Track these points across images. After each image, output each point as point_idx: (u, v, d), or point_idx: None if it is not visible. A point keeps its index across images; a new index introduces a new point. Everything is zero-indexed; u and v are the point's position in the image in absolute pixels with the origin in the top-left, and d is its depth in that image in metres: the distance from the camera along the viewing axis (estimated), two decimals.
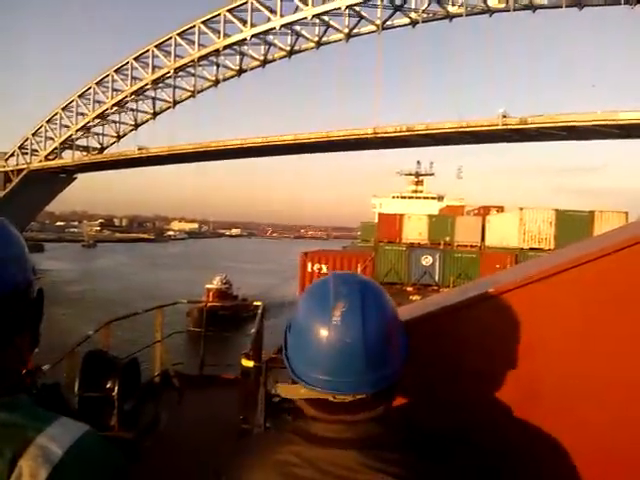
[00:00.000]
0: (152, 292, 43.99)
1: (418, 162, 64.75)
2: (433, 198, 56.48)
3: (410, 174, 63.63)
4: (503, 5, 58.24)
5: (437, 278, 29.55)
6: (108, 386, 4.79)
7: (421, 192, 60.03)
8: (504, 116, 56.66)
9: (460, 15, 60.21)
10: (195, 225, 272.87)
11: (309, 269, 25.05)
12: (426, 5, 60.88)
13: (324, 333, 1.08)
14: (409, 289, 28.08)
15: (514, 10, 58.02)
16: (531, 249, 28.91)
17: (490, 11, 59.35)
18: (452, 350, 1.43)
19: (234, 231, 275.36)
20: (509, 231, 30.80)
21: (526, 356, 1.34)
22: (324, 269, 24.57)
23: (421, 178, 63.14)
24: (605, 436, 1.31)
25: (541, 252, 25.53)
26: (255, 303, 8.07)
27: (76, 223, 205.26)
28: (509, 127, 56.75)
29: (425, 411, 1.40)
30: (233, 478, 1.12)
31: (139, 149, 76.67)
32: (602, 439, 1.31)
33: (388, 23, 63.67)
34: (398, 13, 62.91)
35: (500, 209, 35.97)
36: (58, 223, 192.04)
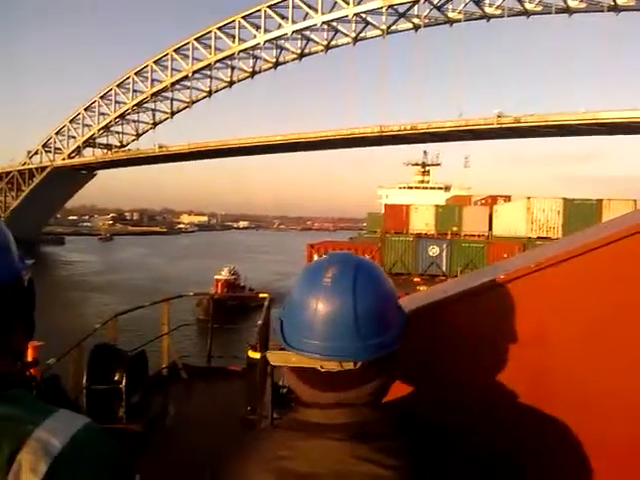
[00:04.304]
0: (178, 280, 44.29)
1: (425, 152, 61.86)
2: (440, 188, 53.60)
3: (417, 164, 60.64)
4: (499, 12, 58.19)
5: (444, 268, 28.56)
6: (115, 379, 4.64)
7: (428, 182, 57.29)
8: (499, 116, 56.45)
9: (459, 21, 60.11)
10: (204, 218, 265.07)
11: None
12: (427, 12, 60.84)
13: (314, 296, 1.01)
14: (416, 280, 27.05)
15: (509, 16, 58.34)
16: (539, 238, 27.84)
17: (487, 17, 59.34)
18: (459, 339, 1.31)
19: (242, 224, 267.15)
20: (517, 220, 29.76)
21: (536, 345, 1.24)
22: None
23: (428, 168, 60.14)
24: (620, 428, 1.20)
25: (549, 241, 24.97)
26: (261, 295, 7.78)
27: (87, 217, 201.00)
28: (504, 126, 56.89)
29: (429, 402, 1.27)
30: (226, 475, 1.03)
31: (160, 147, 76.84)
32: (617, 431, 1.20)
33: (392, 28, 63.62)
34: (402, 19, 62.72)
35: (507, 198, 34.62)
36: (71, 217, 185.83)
